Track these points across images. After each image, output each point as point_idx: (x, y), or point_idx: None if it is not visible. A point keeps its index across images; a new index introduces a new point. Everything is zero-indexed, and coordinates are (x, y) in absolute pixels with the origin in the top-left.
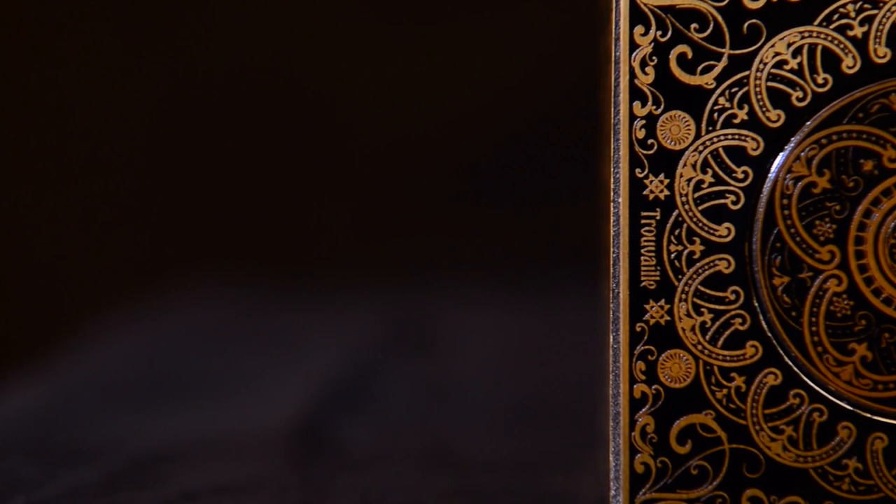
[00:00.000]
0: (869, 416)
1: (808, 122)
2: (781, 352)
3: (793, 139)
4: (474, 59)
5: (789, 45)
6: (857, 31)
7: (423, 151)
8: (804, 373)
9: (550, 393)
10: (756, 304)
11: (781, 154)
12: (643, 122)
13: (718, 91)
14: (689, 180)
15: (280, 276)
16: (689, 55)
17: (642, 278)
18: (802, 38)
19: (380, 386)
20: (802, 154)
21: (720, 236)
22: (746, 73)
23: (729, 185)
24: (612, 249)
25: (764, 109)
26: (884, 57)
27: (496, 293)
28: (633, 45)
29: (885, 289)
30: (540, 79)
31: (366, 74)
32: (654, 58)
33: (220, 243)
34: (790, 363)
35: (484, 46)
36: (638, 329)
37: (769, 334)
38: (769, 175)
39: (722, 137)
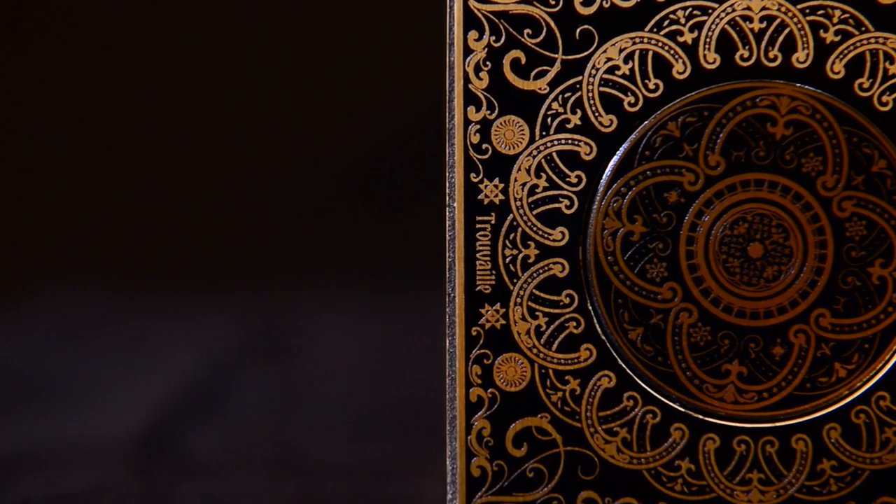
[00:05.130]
0: (701, 417)
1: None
2: (615, 355)
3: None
4: (330, 69)
5: (621, 50)
6: (687, 37)
7: (280, 159)
8: (690, 408)
9: (401, 397)
10: (590, 308)
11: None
12: (477, 126)
13: (552, 96)
14: (523, 185)
15: (136, 281)
16: (523, 60)
17: (478, 282)
18: (634, 43)
19: (232, 392)
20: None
21: (554, 240)
22: (579, 78)
23: (563, 189)
24: (447, 254)
25: (597, 114)
26: (713, 63)
27: (352, 299)
28: (468, 51)
29: (733, 303)
30: (396, 87)
31: (227, 82)
32: (487, 63)
33: (74, 248)
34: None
35: (337, 55)
36: (474, 333)
37: (603, 337)
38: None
39: (556, 142)
